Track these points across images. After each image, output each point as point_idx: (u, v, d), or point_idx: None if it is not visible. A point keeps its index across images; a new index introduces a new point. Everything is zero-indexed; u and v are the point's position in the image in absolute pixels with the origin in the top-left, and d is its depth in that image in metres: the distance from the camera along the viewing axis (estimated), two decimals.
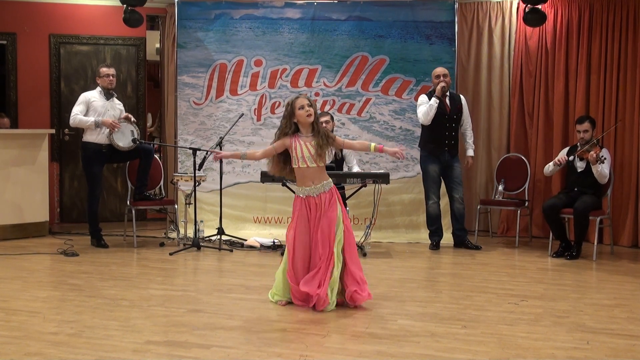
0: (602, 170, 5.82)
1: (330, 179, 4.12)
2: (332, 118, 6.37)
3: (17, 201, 6.63)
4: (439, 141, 6.31)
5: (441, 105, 6.24)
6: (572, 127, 6.80)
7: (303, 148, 4.00)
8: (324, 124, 6.21)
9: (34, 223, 6.76)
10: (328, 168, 5.98)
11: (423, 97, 6.33)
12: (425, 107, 6.23)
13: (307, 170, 4.02)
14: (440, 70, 6.36)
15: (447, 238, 6.60)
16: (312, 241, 4.01)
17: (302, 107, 3.98)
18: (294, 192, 4.16)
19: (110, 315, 3.83)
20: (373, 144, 4.19)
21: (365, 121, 7.11)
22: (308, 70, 7.14)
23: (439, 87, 6.20)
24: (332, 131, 6.33)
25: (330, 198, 4.02)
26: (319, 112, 6.64)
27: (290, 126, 4.03)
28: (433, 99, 6.21)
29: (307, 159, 4.00)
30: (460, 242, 6.43)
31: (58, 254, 5.84)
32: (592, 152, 5.73)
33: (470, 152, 6.54)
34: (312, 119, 4.01)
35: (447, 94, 6.33)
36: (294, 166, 4.05)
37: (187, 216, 6.60)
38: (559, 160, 6.06)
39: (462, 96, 6.56)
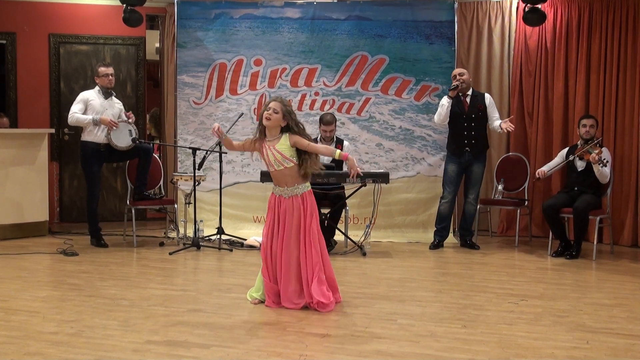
0: (604, 171, 5.82)
1: (306, 184, 4.11)
2: (335, 124, 6.30)
3: (16, 201, 6.62)
4: (459, 141, 6.33)
5: (459, 105, 6.27)
6: (571, 127, 6.81)
7: (269, 153, 4.03)
8: (328, 133, 6.22)
9: (33, 222, 6.75)
10: (328, 168, 6.04)
11: (444, 99, 6.36)
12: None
13: (276, 173, 4.07)
14: (456, 70, 6.45)
15: (451, 238, 6.63)
16: (279, 241, 4.05)
17: (267, 109, 3.99)
18: None
19: (110, 315, 3.83)
20: (338, 152, 4.09)
21: (365, 121, 7.11)
22: (308, 70, 7.14)
23: (451, 87, 6.23)
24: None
25: (300, 204, 4.04)
26: (319, 112, 6.70)
27: (260, 125, 4.06)
28: (444, 98, 6.28)
29: (273, 162, 4.03)
30: (463, 242, 6.46)
31: (58, 253, 5.84)
32: (593, 155, 5.72)
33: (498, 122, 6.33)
34: (268, 123, 3.99)
35: (469, 93, 6.34)
36: (269, 169, 4.10)
37: (187, 216, 6.60)
38: (538, 174, 6.08)
39: (487, 95, 6.52)
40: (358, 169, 4.16)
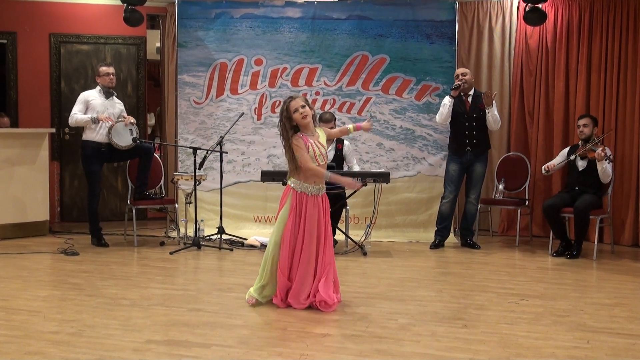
0: (607, 169, 5.81)
1: (324, 185, 4.10)
2: (335, 122, 6.31)
3: (17, 200, 6.63)
4: (460, 141, 6.34)
5: (461, 105, 6.28)
6: (572, 126, 6.80)
7: (314, 147, 3.99)
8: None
9: (34, 222, 6.76)
10: (328, 167, 6.04)
11: (445, 98, 6.36)
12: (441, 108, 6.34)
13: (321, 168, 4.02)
14: (458, 70, 6.47)
15: (452, 238, 6.63)
16: (300, 239, 4.00)
17: (296, 111, 3.94)
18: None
19: (111, 315, 3.83)
20: (351, 125, 4.27)
21: (366, 120, 7.09)
22: (308, 70, 7.14)
23: (453, 87, 6.24)
24: None
25: (321, 204, 4.03)
26: (319, 111, 6.70)
27: (291, 128, 3.98)
28: (446, 97, 6.29)
29: (318, 157, 3.99)
30: (464, 241, 6.46)
31: (58, 253, 5.84)
32: (598, 151, 5.72)
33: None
34: (308, 119, 3.97)
35: (471, 92, 6.34)
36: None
37: (188, 215, 6.60)
38: (547, 167, 6.07)
39: (487, 91, 6.50)
40: (368, 125, 4.28)
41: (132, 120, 6.28)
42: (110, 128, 6.11)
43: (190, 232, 6.48)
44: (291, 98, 4.01)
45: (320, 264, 4.00)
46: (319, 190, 4.04)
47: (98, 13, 7.89)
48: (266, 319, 3.80)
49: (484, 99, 6.23)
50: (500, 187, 6.73)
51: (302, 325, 3.65)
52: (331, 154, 6.30)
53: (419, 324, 3.69)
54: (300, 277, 3.99)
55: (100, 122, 6.12)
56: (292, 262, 4.03)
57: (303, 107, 3.94)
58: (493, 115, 6.26)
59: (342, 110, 7.11)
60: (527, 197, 6.80)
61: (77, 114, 6.14)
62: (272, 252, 4.05)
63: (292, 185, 4.04)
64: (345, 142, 6.44)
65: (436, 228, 6.50)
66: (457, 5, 7.07)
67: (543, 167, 6.15)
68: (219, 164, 6.40)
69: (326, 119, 6.23)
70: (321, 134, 4.09)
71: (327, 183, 4.07)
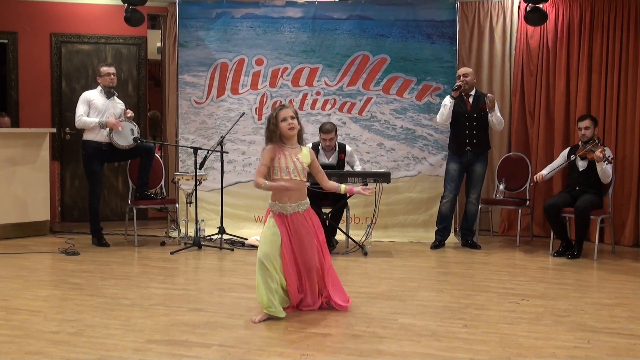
0: (607, 170, 5.81)
1: (307, 200, 3.92)
2: (336, 133, 6.21)
3: (18, 200, 6.63)
4: (460, 141, 6.33)
5: (461, 105, 6.28)
6: (573, 126, 6.80)
7: (288, 160, 3.82)
8: (328, 142, 6.17)
9: (35, 222, 6.76)
10: (329, 167, 6.04)
11: (446, 98, 6.36)
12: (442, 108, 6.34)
13: (290, 183, 3.80)
14: (461, 70, 6.47)
15: (452, 238, 6.63)
16: (295, 256, 3.86)
17: (284, 120, 3.82)
18: None
19: (111, 314, 3.84)
20: (343, 186, 4.02)
21: (366, 120, 7.11)
22: (309, 70, 7.14)
23: (454, 87, 6.24)
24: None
25: (305, 220, 3.86)
26: (319, 111, 6.70)
27: (274, 137, 3.84)
28: (447, 97, 6.29)
29: (292, 171, 3.81)
30: (464, 241, 6.46)
31: (59, 253, 5.85)
32: (597, 152, 5.72)
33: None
34: (294, 132, 3.84)
35: (472, 93, 6.33)
36: (274, 177, 3.83)
37: (188, 215, 6.60)
38: (536, 179, 6.08)
39: (489, 95, 6.47)
40: (364, 191, 4.00)
41: (131, 114, 6.31)
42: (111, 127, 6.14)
43: (191, 232, 6.48)
44: (282, 106, 3.88)
45: (326, 273, 3.96)
46: (299, 207, 3.85)
47: (99, 13, 7.90)
48: (267, 319, 3.79)
49: (487, 104, 6.23)
50: (501, 187, 6.72)
51: (302, 325, 3.65)
52: (334, 163, 6.27)
53: (420, 324, 3.69)
54: (311, 289, 3.93)
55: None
56: (300, 280, 3.91)
57: (292, 118, 3.82)
58: (496, 117, 6.27)
59: (342, 110, 7.11)
60: (527, 197, 6.80)
61: (83, 116, 6.16)
62: (260, 271, 3.78)
63: (270, 207, 3.88)
64: (347, 149, 6.35)
65: (436, 228, 6.50)
66: (457, 5, 7.06)
67: (534, 176, 6.16)
68: (220, 164, 6.40)
69: (326, 130, 6.14)
70: (306, 153, 3.90)
71: None
